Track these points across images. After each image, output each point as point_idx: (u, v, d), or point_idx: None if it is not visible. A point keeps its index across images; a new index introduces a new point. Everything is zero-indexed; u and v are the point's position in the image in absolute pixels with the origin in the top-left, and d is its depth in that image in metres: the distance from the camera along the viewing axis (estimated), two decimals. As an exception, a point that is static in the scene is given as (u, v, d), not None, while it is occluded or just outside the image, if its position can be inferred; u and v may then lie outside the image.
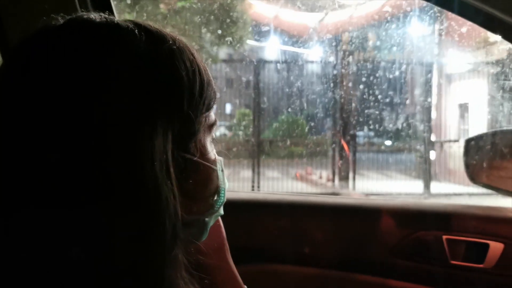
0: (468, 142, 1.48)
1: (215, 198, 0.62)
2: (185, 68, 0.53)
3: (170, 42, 0.53)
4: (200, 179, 0.57)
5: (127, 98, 0.48)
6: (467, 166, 1.43)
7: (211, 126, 0.60)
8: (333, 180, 6.12)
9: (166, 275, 0.47)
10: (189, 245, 0.57)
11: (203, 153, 0.58)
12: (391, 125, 6.20)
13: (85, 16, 0.53)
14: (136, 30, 0.51)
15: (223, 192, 0.63)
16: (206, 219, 0.62)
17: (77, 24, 0.52)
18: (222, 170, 0.63)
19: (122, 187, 0.46)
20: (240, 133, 6.56)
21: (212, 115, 0.60)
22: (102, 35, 0.50)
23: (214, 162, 0.60)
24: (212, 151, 0.61)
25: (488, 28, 1.08)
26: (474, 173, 1.44)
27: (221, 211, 0.65)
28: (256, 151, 6.09)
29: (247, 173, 5.95)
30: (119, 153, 0.46)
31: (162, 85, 0.51)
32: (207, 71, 0.58)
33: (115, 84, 0.48)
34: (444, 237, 1.21)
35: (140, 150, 0.47)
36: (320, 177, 6.28)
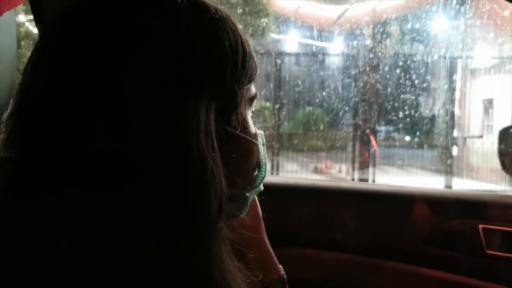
0: (503, 131, 1.45)
1: (256, 173, 0.60)
2: (228, 38, 0.51)
3: (213, 11, 0.52)
4: (241, 153, 0.56)
5: (171, 68, 0.46)
6: (502, 155, 1.40)
7: (252, 99, 0.58)
8: (352, 174, 6.08)
9: (212, 247, 0.46)
10: (232, 219, 0.56)
11: (245, 126, 0.56)
12: (412, 120, 6.11)
13: None
14: None
15: (264, 167, 0.61)
16: (247, 194, 0.60)
17: None
18: (263, 144, 0.62)
19: (168, 159, 0.45)
20: (260, 126, 6.53)
21: (253, 88, 0.58)
22: (145, 4, 0.49)
23: (255, 136, 0.59)
24: (252, 125, 0.59)
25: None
26: (509, 163, 1.40)
27: (261, 187, 0.64)
28: (276, 144, 6.07)
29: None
30: (164, 124, 0.45)
31: (206, 54, 0.49)
32: (248, 42, 0.56)
33: (159, 54, 0.46)
34: (480, 226, 1.19)
35: (185, 121, 0.46)
36: (340, 171, 6.25)
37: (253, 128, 0.59)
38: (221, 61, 0.51)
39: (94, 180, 0.44)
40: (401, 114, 5.88)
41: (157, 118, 0.45)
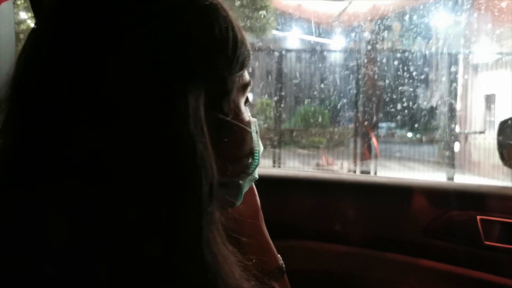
0: (503, 123, 1.45)
1: (250, 160, 0.60)
2: (218, 25, 0.51)
3: None
4: (234, 140, 0.56)
5: (160, 53, 0.47)
6: (501, 147, 1.41)
7: (245, 87, 0.58)
8: (354, 170, 6.08)
9: (204, 231, 0.46)
10: (225, 205, 0.56)
11: (237, 114, 0.56)
12: (413, 115, 6.10)
13: None
14: None
15: (257, 154, 0.61)
16: (240, 182, 0.61)
17: None
18: (257, 132, 0.62)
19: (158, 144, 0.45)
20: (261, 122, 6.52)
21: (246, 75, 0.58)
22: None
23: (248, 123, 0.59)
24: (246, 113, 0.59)
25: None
26: (507, 155, 1.41)
27: (256, 175, 0.64)
28: (277, 141, 6.08)
29: (267, 162, 5.95)
30: (151, 110, 0.45)
31: (195, 41, 0.49)
32: (240, 29, 0.56)
33: (148, 39, 0.47)
34: (479, 217, 1.19)
35: (174, 107, 0.46)
36: (341, 167, 6.25)
37: (246, 116, 0.59)
38: (211, 48, 0.51)
39: (87, 172, 0.44)
40: (402, 110, 5.87)
41: (145, 104, 0.45)
